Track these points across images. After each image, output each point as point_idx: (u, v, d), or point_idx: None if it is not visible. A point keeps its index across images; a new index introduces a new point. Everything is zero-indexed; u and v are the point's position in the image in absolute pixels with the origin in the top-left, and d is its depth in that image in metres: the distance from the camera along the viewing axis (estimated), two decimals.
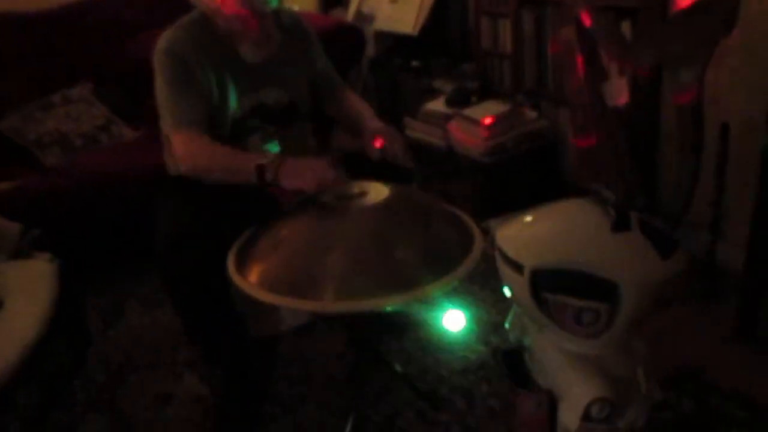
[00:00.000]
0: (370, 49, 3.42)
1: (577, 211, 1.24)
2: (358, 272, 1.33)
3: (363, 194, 1.52)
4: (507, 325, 1.46)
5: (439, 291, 1.35)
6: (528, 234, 1.25)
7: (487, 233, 2.44)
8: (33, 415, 1.85)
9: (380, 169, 1.67)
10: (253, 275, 1.41)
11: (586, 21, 2.08)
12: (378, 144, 1.70)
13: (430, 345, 1.99)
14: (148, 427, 1.80)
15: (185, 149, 1.62)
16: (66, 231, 2.31)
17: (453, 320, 1.93)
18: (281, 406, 1.81)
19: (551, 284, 1.18)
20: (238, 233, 1.59)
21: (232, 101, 1.71)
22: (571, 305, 1.18)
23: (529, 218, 1.29)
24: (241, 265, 1.46)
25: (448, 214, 1.60)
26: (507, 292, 1.29)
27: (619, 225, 1.18)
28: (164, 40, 1.67)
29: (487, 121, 2.42)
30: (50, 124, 2.66)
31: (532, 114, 2.57)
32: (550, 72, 2.64)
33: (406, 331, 2.04)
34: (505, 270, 1.25)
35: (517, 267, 1.20)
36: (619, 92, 2.25)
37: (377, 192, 1.53)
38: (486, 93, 2.70)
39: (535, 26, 2.64)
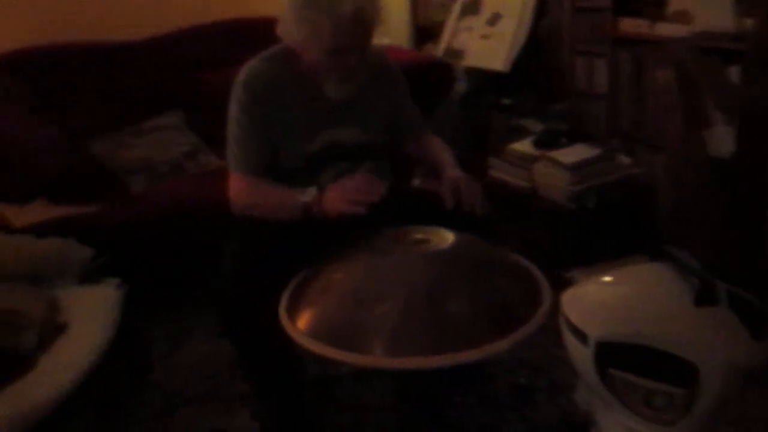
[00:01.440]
0: (461, 85, 3.35)
1: (655, 278, 1.09)
2: (408, 326, 1.23)
3: (424, 240, 1.43)
4: (576, 396, 1.31)
5: (496, 353, 1.22)
6: (596, 299, 1.11)
7: (569, 284, 2.29)
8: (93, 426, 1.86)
9: (453, 218, 1.58)
10: (302, 321, 1.34)
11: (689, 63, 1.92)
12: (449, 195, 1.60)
13: (495, 401, 1.85)
14: None
15: (236, 191, 1.65)
16: (142, 257, 2.36)
17: (523, 376, 1.80)
18: None
19: (619, 360, 1.04)
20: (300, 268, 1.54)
21: (308, 137, 1.68)
22: (641, 386, 1.03)
23: (600, 281, 1.15)
24: (293, 308, 1.39)
25: (517, 268, 1.47)
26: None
27: (704, 298, 1.04)
28: (244, 71, 1.68)
29: (574, 164, 2.27)
30: (139, 151, 2.74)
31: (625, 160, 2.40)
32: (648, 115, 2.47)
33: (471, 383, 1.91)
34: (568, 337, 1.12)
35: (582, 336, 1.07)
36: (722, 142, 2.06)
37: (440, 239, 1.43)
38: (577, 135, 2.56)
39: (632, 66, 2.48)
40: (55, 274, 1.84)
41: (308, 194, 1.51)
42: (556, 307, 1.32)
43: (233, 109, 1.65)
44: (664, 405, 1.03)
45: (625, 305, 1.08)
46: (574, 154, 2.35)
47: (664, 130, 2.05)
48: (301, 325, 1.33)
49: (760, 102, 1.84)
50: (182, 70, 2.99)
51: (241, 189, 1.64)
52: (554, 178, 2.33)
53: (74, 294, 1.81)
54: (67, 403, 1.60)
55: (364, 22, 1.51)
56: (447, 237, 1.44)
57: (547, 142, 2.48)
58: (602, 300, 1.11)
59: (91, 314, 1.76)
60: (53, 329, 1.69)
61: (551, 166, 2.35)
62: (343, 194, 1.46)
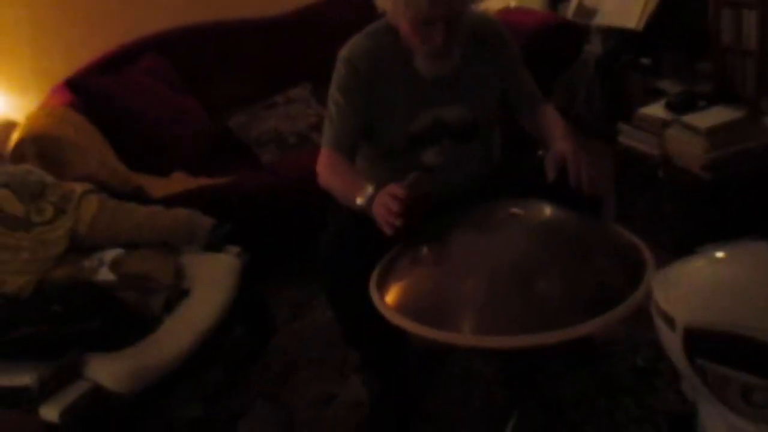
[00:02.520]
0: (597, 46, 3.16)
1: (754, 259, 0.98)
2: (492, 304, 1.21)
3: (519, 215, 1.38)
4: (683, 385, 1.22)
5: (580, 335, 1.16)
6: (690, 281, 1.02)
7: None
8: (212, 391, 2.00)
9: (560, 193, 1.49)
10: (390, 295, 1.35)
11: None
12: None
13: (610, 383, 1.76)
14: (307, 425, 1.84)
15: (321, 166, 1.66)
16: (270, 226, 2.48)
17: (646, 359, 1.70)
18: (434, 424, 1.73)
19: (709, 350, 0.95)
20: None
21: (409, 115, 1.66)
22: (736, 379, 0.94)
23: (700, 262, 1.05)
24: (383, 283, 1.40)
25: (622, 245, 1.38)
26: None
27: None
28: (347, 47, 1.68)
29: (711, 129, 2.07)
30: (270, 123, 2.86)
31: None
32: None
33: (585, 361, 1.83)
34: (657, 322, 1.03)
35: (669, 320, 0.98)
36: None
37: (536, 214, 1.37)
38: (721, 97, 2.32)
39: None
40: (183, 243, 1.99)
41: (364, 194, 1.48)
42: None
43: (332, 85, 1.67)
44: (765, 402, 0.93)
45: (722, 289, 0.97)
46: (712, 117, 2.13)
47: None
48: (389, 299, 1.34)
49: None
50: (313, 43, 3.07)
51: (325, 166, 1.66)
52: (688, 145, 2.14)
53: (198, 261, 1.94)
54: (194, 359, 1.75)
55: None
56: (543, 210, 1.38)
57: (683, 104, 2.27)
58: (696, 282, 1.01)
59: (212, 280, 1.88)
60: (179, 293, 1.83)
61: (685, 131, 2.15)
62: (380, 210, 1.40)
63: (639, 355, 1.83)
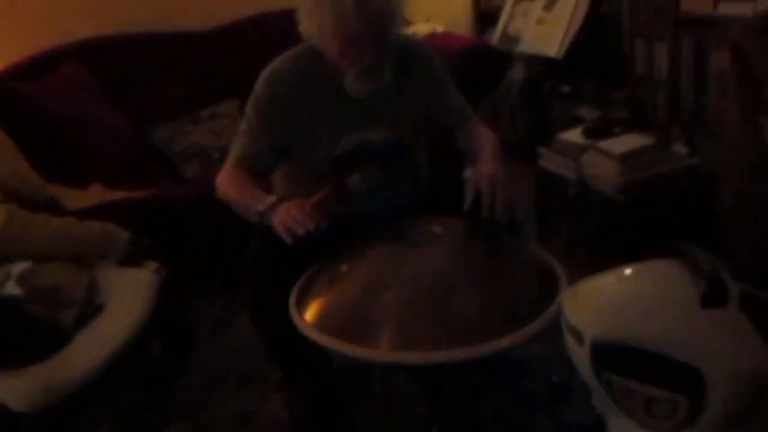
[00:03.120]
0: (520, 72, 3.26)
1: (660, 276, 1.02)
2: (410, 320, 1.21)
3: (437, 232, 1.40)
4: (593, 399, 1.25)
5: (497, 350, 1.18)
6: (596, 297, 1.05)
7: None
8: (127, 410, 1.93)
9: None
10: (310, 312, 1.34)
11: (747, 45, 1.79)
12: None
13: (529, 400, 1.80)
14: None
15: (221, 178, 1.66)
16: (192, 241, 2.43)
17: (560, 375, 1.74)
18: None
19: (615, 363, 0.98)
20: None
21: (333, 138, 1.64)
22: (640, 391, 0.97)
23: (605, 278, 1.09)
24: (302, 299, 1.39)
25: (536, 262, 1.42)
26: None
27: (711, 298, 0.96)
28: (269, 68, 1.65)
29: (624, 154, 2.16)
30: (195, 138, 2.81)
31: (682, 149, 2.26)
32: (710, 102, 2.32)
33: (505, 379, 1.86)
34: (567, 337, 1.06)
35: (577, 335, 1.01)
36: None
37: (454, 231, 1.40)
38: (634, 124, 2.43)
39: (694, 50, 2.33)
40: (97, 256, 1.92)
41: (265, 203, 1.49)
42: None
43: (248, 104, 1.65)
44: (667, 413, 0.97)
45: (625, 304, 1.01)
46: (625, 143, 2.23)
47: (720, 118, 1.92)
48: (309, 316, 1.33)
49: None
50: (243, 59, 3.03)
51: (225, 177, 1.64)
52: (603, 169, 2.22)
53: (113, 276, 1.88)
54: (107, 376, 1.68)
55: (370, 12, 1.45)
56: (462, 228, 1.40)
57: (598, 130, 2.36)
58: (602, 298, 1.05)
59: (127, 295, 1.83)
60: (91, 309, 1.77)
61: (600, 156, 2.24)
62: (282, 217, 1.43)
63: (554, 372, 1.87)
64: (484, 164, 1.58)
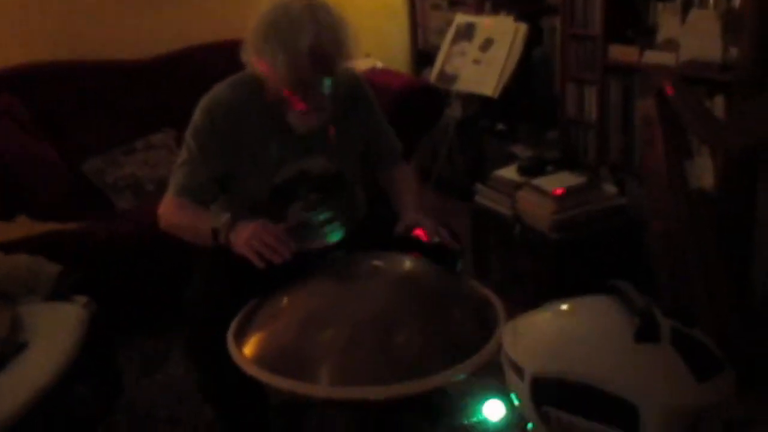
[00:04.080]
0: (457, 110, 3.33)
1: (595, 312, 1.06)
2: (354, 355, 1.20)
3: (379, 267, 1.40)
4: (529, 426, 1.27)
5: (445, 383, 1.18)
6: (534, 333, 1.07)
7: None
8: None
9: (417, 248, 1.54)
10: (249, 347, 1.31)
11: (670, 93, 1.88)
12: (421, 235, 1.55)
13: None
14: None
15: (163, 208, 1.62)
16: (122, 275, 2.36)
17: (492, 409, 1.75)
18: None
19: (554, 397, 0.99)
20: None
21: (272, 168, 1.64)
22: (579, 426, 0.99)
23: (543, 314, 1.11)
24: (241, 334, 1.36)
25: (476, 297, 1.44)
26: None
27: (644, 334, 0.99)
28: (208, 96, 1.63)
29: (557, 192, 2.23)
30: (128, 169, 2.74)
31: (611, 189, 2.36)
32: (637, 145, 2.43)
33: (439, 416, 1.86)
34: (507, 371, 1.08)
35: (518, 370, 1.03)
36: (704, 174, 2.01)
37: (396, 266, 1.40)
38: (565, 163, 2.52)
39: (622, 95, 2.45)
40: (22, 292, 1.83)
41: (219, 220, 1.47)
42: None
43: (187, 133, 1.62)
44: None
45: (564, 340, 1.03)
46: (558, 181, 2.30)
47: (645, 162, 2.01)
48: (248, 350, 1.31)
49: (743, 135, 1.79)
50: (178, 90, 3.00)
51: (167, 207, 1.61)
52: (538, 206, 2.29)
53: (39, 311, 1.80)
54: (29, 420, 1.59)
55: (324, 57, 1.45)
56: (403, 264, 1.41)
57: (532, 169, 2.44)
58: (541, 333, 1.07)
59: (52, 333, 1.74)
60: (13, 348, 1.68)
61: (535, 194, 2.31)
62: (252, 240, 1.41)
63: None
64: (415, 212, 1.62)
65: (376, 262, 1.41)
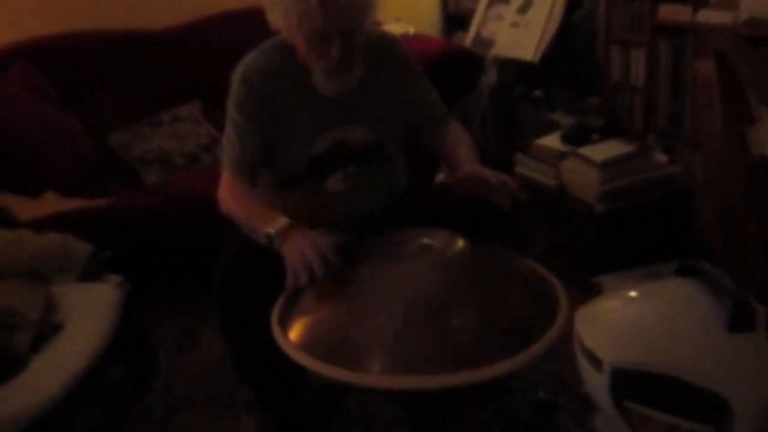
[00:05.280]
0: (492, 76, 3.20)
1: (682, 297, 0.96)
2: (405, 343, 1.13)
3: (430, 246, 1.32)
4: (596, 422, 1.19)
5: (499, 374, 1.10)
6: (614, 320, 0.98)
7: (597, 291, 2.14)
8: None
9: (474, 213, 1.47)
10: (294, 331, 1.24)
11: (731, 54, 1.76)
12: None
13: (512, 418, 1.73)
14: None
15: (224, 193, 1.54)
16: (152, 252, 2.30)
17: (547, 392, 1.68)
18: None
19: (637, 390, 0.91)
20: None
21: (309, 136, 1.57)
22: (662, 421, 0.90)
23: (620, 298, 1.02)
24: (285, 317, 1.29)
25: (533, 278, 1.34)
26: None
27: (739, 321, 0.90)
28: (241, 64, 1.58)
29: (605, 162, 2.12)
30: (156, 142, 2.67)
31: (662, 158, 2.24)
32: (688, 110, 2.30)
33: (487, 397, 1.79)
34: (582, 361, 0.99)
35: (596, 361, 0.94)
36: (766, 140, 1.89)
37: (447, 245, 1.32)
38: (611, 131, 2.40)
39: (672, 57, 2.31)
40: (55, 271, 1.78)
41: (276, 225, 1.39)
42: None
43: (229, 105, 1.56)
44: None
45: (646, 328, 0.94)
46: (605, 150, 2.19)
47: (702, 127, 1.89)
48: (293, 335, 1.24)
49: None
50: (204, 60, 2.91)
51: (227, 192, 1.54)
52: (583, 177, 2.18)
53: (72, 292, 1.75)
54: (68, 402, 1.55)
55: (335, 8, 1.38)
56: (455, 242, 1.32)
57: (577, 137, 2.32)
58: (620, 321, 0.98)
59: (88, 314, 1.69)
60: (49, 329, 1.63)
61: (580, 164, 2.20)
62: (297, 258, 1.31)
63: (540, 389, 1.81)
64: (473, 164, 1.54)
65: (426, 240, 1.32)
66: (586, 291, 2.13)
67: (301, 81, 1.54)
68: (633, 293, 1.02)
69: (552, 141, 2.37)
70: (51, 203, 2.30)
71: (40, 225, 1.96)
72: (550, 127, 2.77)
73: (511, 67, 3.05)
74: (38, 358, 1.56)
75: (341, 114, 1.57)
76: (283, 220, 1.39)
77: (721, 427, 0.88)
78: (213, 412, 1.87)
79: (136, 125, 2.72)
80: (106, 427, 1.84)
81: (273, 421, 1.69)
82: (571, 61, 2.85)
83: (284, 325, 1.27)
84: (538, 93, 3.02)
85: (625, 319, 0.98)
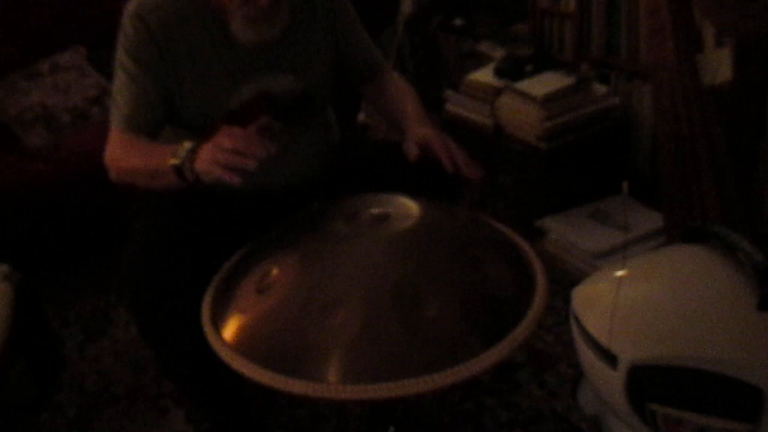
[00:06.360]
0: (407, 5, 2.98)
1: (698, 272, 0.82)
2: (371, 341, 0.94)
3: (383, 216, 1.13)
4: (579, 397, 1.06)
5: (491, 365, 0.95)
6: (627, 307, 0.83)
7: (541, 234, 2.03)
8: None
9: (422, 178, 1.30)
10: (229, 330, 1.03)
11: None
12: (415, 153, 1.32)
13: (473, 385, 1.61)
14: None
15: (111, 151, 1.31)
16: (45, 227, 2.00)
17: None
18: None
19: (661, 389, 0.77)
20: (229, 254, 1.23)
21: (223, 88, 1.33)
22: (689, 421, 0.77)
23: (625, 275, 0.87)
24: (218, 312, 1.08)
25: (502, 243, 1.19)
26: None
27: None
28: (135, 2, 1.30)
29: (546, 97, 1.97)
30: (34, 97, 2.31)
31: (601, 89, 2.11)
32: (623, 35, 2.17)
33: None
34: (586, 353, 0.84)
35: (608, 357, 0.79)
36: (718, 68, 1.79)
37: (403, 212, 1.13)
38: (543, 62, 2.24)
39: None
40: None
41: (178, 154, 1.16)
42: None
43: (118, 50, 1.30)
44: None
45: (663, 313, 0.80)
46: (543, 84, 2.04)
47: (651, 56, 1.76)
48: (228, 335, 1.03)
49: (761, 21, 1.56)
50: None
51: (116, 148, 1.30)
52: (523, 114, 2.03)
53: None
54: None
55: None
56: (411, 208, 1.13)
57: (510, 70, 2.15)
58: (631, 305, 0.83)
59: None
60: None
61: (518, 100, 2.04)
62: (215, 154, 1.09)
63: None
64: (423, 126, 1.37)
65: (380, 209, 1.13)
66: (531, 235, 2.02)
67: (214, 24, 1.30)
68: (639, 268, 0.87)
69: (484, 75, 2.19)
70: None
71: None
72: (474, 60, 2.61)
73: None
74: None
75: (264, 61, 1.35)
76: (186, 144, 1.16)
77: (757, 421, 0.75)
78: (137, 407, 1.65)
79: (7, 78, 2.34)
80: None
81: (205, 413, 1.50)
82: None
83: (217, 323, 1.06)
84: (459, 21, 2.83)
85: (637, 303, 0.84)
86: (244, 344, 1.01)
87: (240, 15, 1.27)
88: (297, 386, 0.93)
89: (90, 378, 1.76)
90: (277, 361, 0.96)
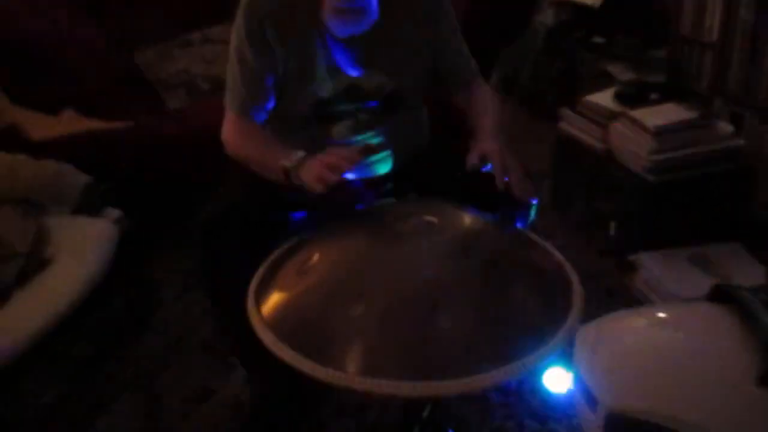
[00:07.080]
0: (548, 16, 2.94)
1: (707, 332, 0.79)
2: (385, 340, 0.99)
3: (432, 224, 1.16)
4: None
5: (493, 383, 0.96)
6: (620, 350, 0.82)
7: (633, 269, 1.95)
8: (74, 371, 1.75)
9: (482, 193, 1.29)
10: (267, 307, 1.11)
11: None
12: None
13: (521, 410, 1.59)
14: (175, 423, 1.61)
15: (229, 134, 1.42)
16: (170, 181, 2.20)
17: (555, 379, 1.53)
18: None
19: None
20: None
21: (319, 79, 1.41)
22: None
23: (634, 321, 0.85)
24: (263, 288, 1.16)
25: (546, 266, 1.18)
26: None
27: None
28: None
29: (659, 129, 1.89)
30: (182, 64, 2.54)
31: (727, 128, 1.99)
32: (764, 74, 2.02)
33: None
34: (577, 390, 0.84)
35: (590, 398, 0.79)
36: None
37: (453, 223, 1.16)
38: (673, 91, 2.14)
39: (755, 10, 2.01)
40: (50, 200, 1.70)
41: (291, 158, 1.26)
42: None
43: (233, 39, 1.41)
44: None
45: (658, 366, 0.78)
46: (662, 114, 1.95)
47: None
48: (265, 311, 1.11)
49: None
50: None
51: (233, 133, 1.42)
52: (634, 143, 1.95)
53: (66, 225, 1.68)
54: (52, 337, 1.50)
55: None
56: (463, 220, 1.16)
57: (633, 96, 2.08)
58: (627, 351, 0.81)
59: (79, 250, 1.62)
60: (37, 263, 1.56)
61: (632, 127, 1.96)
62: (321, 171, 1.18)
63: None
64: (492, 138, 1.35)
65: (429, 218, 1.16)
66: (620, 268, 1.96)
67: (314, 17, 1.38)
68: (650, 317, 0.85)
69: (604, 98, 2.13)
70: (67, 122, 2.21)
71: (50, 146, 1.87)
72: (606, 80, 2.53)
73: (570, 7, 2.78)
74: (22, 293, 1.50)
75: (357, 56, 1.41)
76: (300, 153, 1.27)
77: None
78: (207, 361, 1.79)
79: (163, 44, 2.58)
80: (98, 360, 1.78)
81: (261, 380, 1.60)
82: (637, 5, 2.56)
83: (260, 297, 1.14)
84: (598, 39, 2.76)
85: (633, 350, 0.82)
86: (275, 320, 1.08)
87: (331, 6, 1.35)
88: (313, 369, 0.99)
89: (175, 326, 1.93)
90: (298, 340, 1.03)
